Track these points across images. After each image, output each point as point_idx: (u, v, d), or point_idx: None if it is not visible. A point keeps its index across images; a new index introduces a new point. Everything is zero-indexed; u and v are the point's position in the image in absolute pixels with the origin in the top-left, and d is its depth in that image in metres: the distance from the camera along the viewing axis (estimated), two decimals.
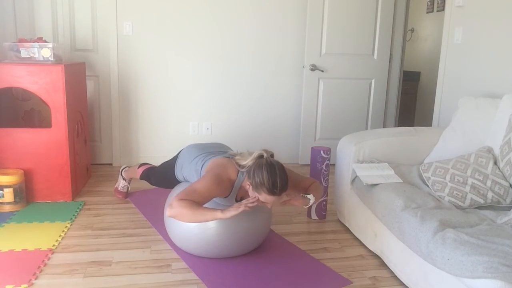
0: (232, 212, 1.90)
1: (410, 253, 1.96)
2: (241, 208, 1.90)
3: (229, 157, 2.21)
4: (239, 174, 2.12)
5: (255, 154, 2.07)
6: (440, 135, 2.73)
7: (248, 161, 2.07)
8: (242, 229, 2.20)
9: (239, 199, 2.22)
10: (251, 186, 2.00)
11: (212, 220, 1.98)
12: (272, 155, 2.10)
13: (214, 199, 2.16)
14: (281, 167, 2.00)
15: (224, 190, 2.08)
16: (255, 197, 1.98)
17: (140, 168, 2.90)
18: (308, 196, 2.19)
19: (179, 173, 2.45)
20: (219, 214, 1.90)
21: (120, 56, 3.80)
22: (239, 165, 2.12)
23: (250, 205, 1.94)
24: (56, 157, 2.95)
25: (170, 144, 4.03)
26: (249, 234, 2.24)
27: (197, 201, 1.94)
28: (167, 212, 1.93)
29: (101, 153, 3.97)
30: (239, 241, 2.23)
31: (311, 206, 2.87)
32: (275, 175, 1.94)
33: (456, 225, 1.87)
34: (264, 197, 1.97)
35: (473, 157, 2.33)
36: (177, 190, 2.35)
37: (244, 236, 2.22)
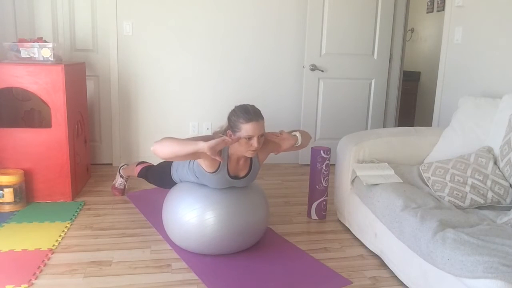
0: (213, 141, 1.95)
1: (410, 253, 1.96)
2: (223, 137, 1.99)
3: None
4: None
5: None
6: (440, 135, 2.73)
7: (223, 124, 2.23)
8: (240, 226, 2.22)
9: (233, 176, 2.25)
10: (232, 133, 2.10)
11: (195, 150, 1.97)
12: None
13: (209, 184, 2.24)
14: (250, 104, 2.16)
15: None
16: (238, 138, 2.08)
17: (138, 166, 2.91)
18: (294, 133, 2.30)
19: (175, 174, 2.47)
20: (201, 144, 1.95)
21: (120, 56, 3.80)
22: (220, 132, 2.23)
23: (233, 137, 2.07)
24: (56, 157, 2.95)
25: None
26: (246, 231, 2.26)
27: None
28: (153, 146, 1.99)
29: (101, 153, 3.97)
30: (236, 238, 2.24)
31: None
32: (245, 106, 2.12)
33: (456, 225, 1.87)
34: (245, 129, 2.05)
35: (473, 157, 2.33)
36: (175, 190, 2.35)
37: (241, 232, 2.24)
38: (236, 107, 2.15)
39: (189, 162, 2.30)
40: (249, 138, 2.07)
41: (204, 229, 2.18)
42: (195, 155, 2.03)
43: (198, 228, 2.18)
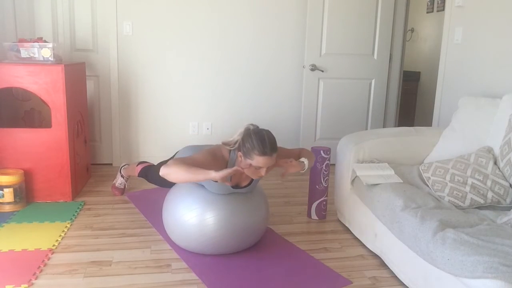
0: (225, 171, 1.93)
1: (410, 253, 1.96)
2: (234, 168, 1.96)
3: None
4: (231, 153, 2.20)
5: (241, 129, 2.16)
6: (440, 135, 2.73)
7: (235, 137, 2.17)
8: (239, 225, 2.22)
9: (234, 185, 2.26)
10: (243, 156, 2.07)
11: (205, 179, 1.97)
12: (257, 127, 2.19)
13: (209, 188, 2.24)
14: (267, 131, 2.12)
15: (219, 166, 2.14)
16: (249, 164, 2.06)
17: (138, 166, 2.93)
18: (302, 159, 2.28)
19: None
20: (212, 174, 1.93)
21: (120, 56, 3.80)
22: (229, 144, 2.20)
23: (243, 166, 2.06)
24: (56, 157, 2.95)
25: (170, 144, 4.03)
26: (246, 230, 2.26)
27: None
28: (162, 170, 1.99)
29: (101, 153, 3.97)
30: (236, 237, 2.24)
31: (315, 207, 2.87)
32: (263, 136, 2.06)
33: (456, 225, 1.87)
34: (257, 160, 2.03)
35: (473, 157, 2.33)
36: (175, 190, 2.35)
37: (241, 232, 2.24)
38: (253, 132, 2.07)
39: None
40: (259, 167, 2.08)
41: (204, 229, 2.18)
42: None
43: (198, 227, 2.18)
